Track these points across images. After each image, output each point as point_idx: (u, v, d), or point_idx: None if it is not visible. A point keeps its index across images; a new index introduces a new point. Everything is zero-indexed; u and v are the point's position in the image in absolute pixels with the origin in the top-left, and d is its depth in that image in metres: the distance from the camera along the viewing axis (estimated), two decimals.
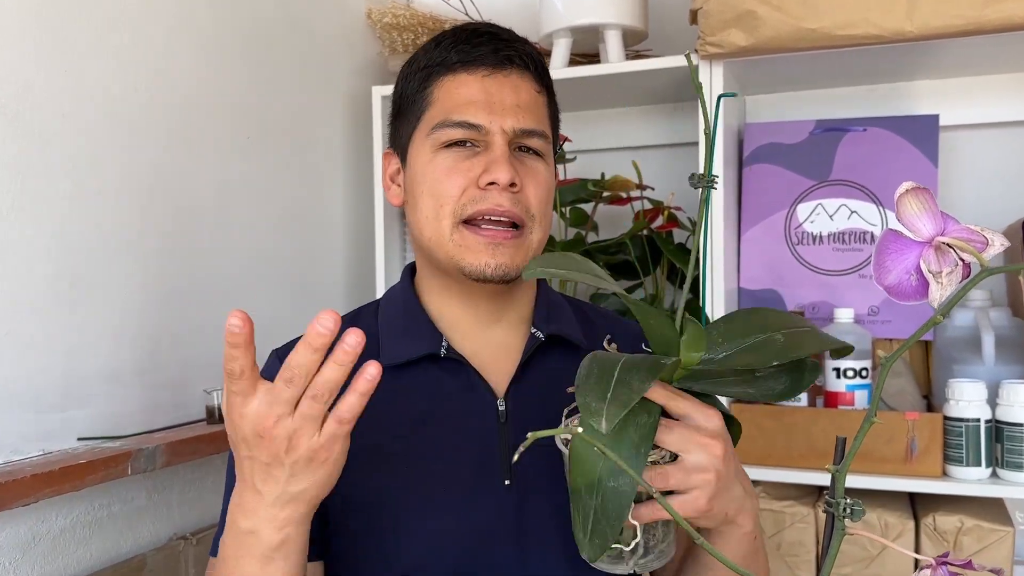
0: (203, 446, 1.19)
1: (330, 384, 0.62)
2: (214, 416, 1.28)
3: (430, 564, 0.80)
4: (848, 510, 0.54)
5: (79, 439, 1.11)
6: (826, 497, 0.55)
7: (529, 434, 0.52)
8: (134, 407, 1.20)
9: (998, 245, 0.54)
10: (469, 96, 0.82)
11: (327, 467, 0.66)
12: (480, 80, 0.83)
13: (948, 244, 0.54)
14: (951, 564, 0.52)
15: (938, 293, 0.54)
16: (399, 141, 0.89)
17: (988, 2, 1.23)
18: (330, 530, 0.83)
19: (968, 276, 0.55)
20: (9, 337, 1.03)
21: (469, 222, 0.82)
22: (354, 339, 0.61)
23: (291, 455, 0.64)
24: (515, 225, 0.83)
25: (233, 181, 1.41)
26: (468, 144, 0.83)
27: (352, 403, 0.64)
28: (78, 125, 1.12)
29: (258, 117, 1.47)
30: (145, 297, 1.22)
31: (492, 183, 0.81)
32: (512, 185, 0.81)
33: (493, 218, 0.81)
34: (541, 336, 0.88)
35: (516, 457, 0.53)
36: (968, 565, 0.51)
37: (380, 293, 1.67)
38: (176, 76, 1.29)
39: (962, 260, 0.55)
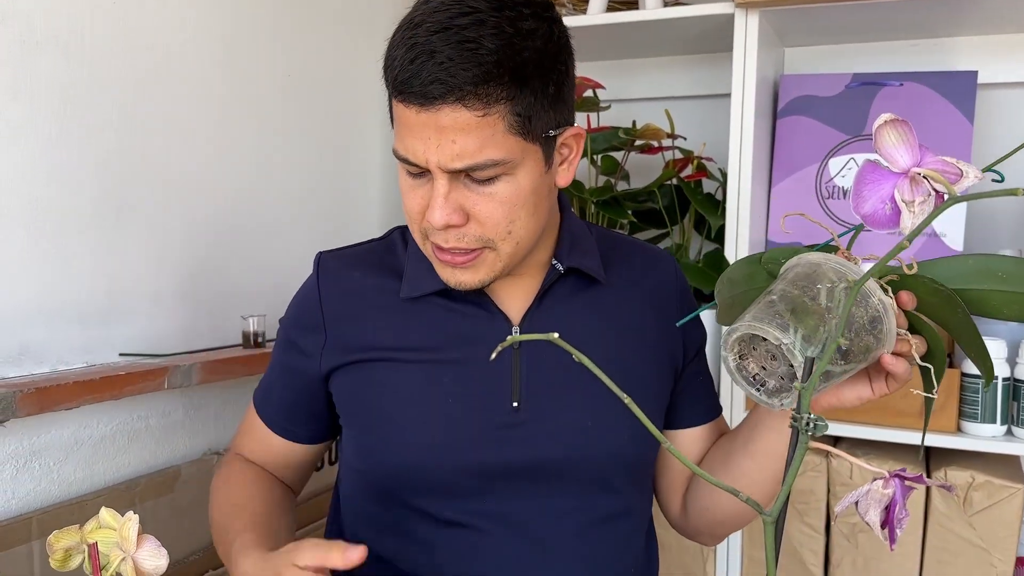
0: (238, 368, 1.26)
1: None
2: (249, 341, 1.35)
3: (428, 465, 0.86)
4: (812, 424, 0.57)
5: (120, 354, 1.18)
6: (792, 412, 0.58)
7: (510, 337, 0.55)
8: (174, 328, 1.27)
9: (972, 177, 0.56)
10: (409, 129, 0.78)
11: None
12: (416, 115, 0.77)
13: (923, 175, 0.56)
14: (904, 477, 0.54)
15: (909, 222, 0.56)
16: None
17: None
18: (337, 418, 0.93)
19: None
20: (58, 255, 1.09)
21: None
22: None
23: None
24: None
25: (273, 119, 1.46)
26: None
27: None
28: (126, 59, 1.17)
29: (300, 58, 1.51)
30: (186, 226, 1.28)
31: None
32: (452, 223, 0.79)
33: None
34: (560, 269, 0.91)
35: (494, 355, 0.56)
36: (919, 479, 0.54)
37: None
38: (221, 14, 1.33)
39: (935, 191, 0.56)
